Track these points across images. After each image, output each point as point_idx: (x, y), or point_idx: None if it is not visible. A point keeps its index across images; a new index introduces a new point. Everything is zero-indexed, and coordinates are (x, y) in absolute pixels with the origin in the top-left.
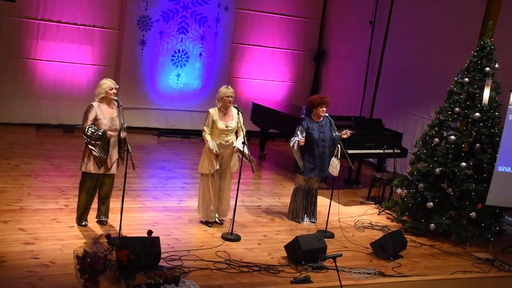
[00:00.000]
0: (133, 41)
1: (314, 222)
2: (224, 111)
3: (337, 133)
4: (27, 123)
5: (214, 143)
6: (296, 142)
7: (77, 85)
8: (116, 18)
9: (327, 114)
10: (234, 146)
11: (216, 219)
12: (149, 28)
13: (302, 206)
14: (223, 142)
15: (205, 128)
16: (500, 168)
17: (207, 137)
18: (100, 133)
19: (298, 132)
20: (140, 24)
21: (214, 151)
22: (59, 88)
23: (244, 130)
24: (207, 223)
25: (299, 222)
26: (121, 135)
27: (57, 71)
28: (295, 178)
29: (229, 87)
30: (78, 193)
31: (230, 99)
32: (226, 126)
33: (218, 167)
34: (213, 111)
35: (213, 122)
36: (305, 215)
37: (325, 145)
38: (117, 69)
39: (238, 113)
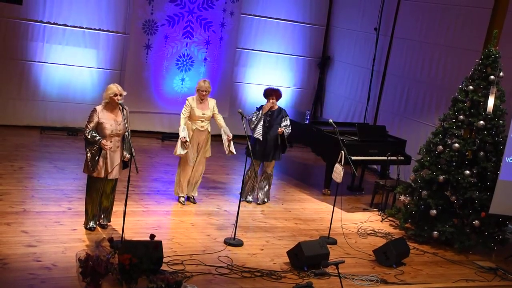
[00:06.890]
0: (138, 45)
1: (258, 204)
2: (200, 101)
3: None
4: (31, 126)
5: (186, 131)
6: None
7: (82, 88)
8: (122, 22)
9: (277, 106)
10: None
11: (191, 198)
12: (154, 32)
13: (251, 186)
14: (199, 128)
15: (182, 112)
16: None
17: (182, 122)
18: (96, 139)
19: (253, 116)
20: (145, 28)
21: (182, 137)
22: (64, 91)
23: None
24: (180, 198)
25: (245, 200)
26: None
27: (62, 74)
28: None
29: (206, 81)
30: (85, 196)
31: (204, 93)
32: (203, 114)
33: (190, 151)
34: (191, 100)
35: (191, 109)
36: (249, 195)
37: (269, 133)
38: (122, 72)
39: (242, 119)
